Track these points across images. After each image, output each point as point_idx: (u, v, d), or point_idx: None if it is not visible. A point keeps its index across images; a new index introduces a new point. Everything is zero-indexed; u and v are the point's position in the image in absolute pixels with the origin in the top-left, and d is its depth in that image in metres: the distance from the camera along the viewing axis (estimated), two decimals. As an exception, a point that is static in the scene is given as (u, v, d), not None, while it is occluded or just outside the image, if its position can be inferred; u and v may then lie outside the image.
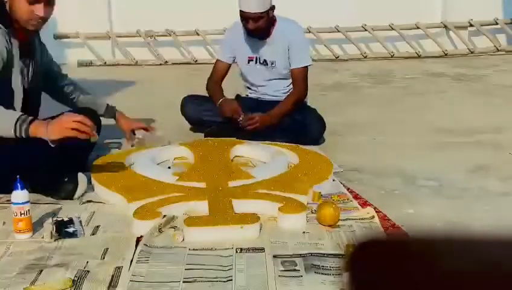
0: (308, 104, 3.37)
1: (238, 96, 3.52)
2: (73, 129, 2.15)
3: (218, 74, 3.34)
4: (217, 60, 3.41)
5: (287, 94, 3.30)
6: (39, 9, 2.33)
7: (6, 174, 2.29)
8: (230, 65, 3.37)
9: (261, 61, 3.26)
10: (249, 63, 3.29)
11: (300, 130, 3.07)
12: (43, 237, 1.90)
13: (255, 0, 3.02)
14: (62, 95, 2.85)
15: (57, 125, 2.16)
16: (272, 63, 3.23)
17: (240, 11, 3.07)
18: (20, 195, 1.94)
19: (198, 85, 4.79)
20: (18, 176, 1.96)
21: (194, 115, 3.35)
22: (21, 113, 2.24)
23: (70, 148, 2.31)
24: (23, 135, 2.16)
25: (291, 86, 3.29)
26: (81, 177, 2.33)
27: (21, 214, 1.93)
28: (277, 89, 3.32)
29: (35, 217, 2.10)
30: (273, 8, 3.11)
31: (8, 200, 2.27)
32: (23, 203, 1.94)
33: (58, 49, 5.57)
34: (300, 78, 3.19)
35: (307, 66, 3.21)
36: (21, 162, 2.25)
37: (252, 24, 3.06)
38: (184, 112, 3.40)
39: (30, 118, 2.19)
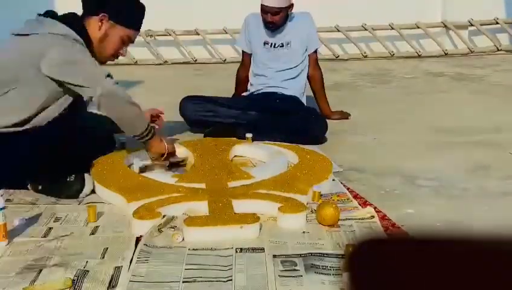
0: (305, 103, 3.40)
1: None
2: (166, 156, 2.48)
3: (245, 64, 3.61)
4: (243, 51, 3.64)
5: (291, 84, 3.41)
6: (124, 51, 2.38)
7: (10, 172, 2.29)
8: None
9: (276, 46, 3.44)
10: (264, 45, 3.46)
11: (301, 130, 3.07)
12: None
13: None
14: None
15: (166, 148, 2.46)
16: (288, 43, 3.43)
17: (261, 4, 3.32)
18: None
19: (198, 85, 4.81)
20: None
21: (193, 115, 3.33)
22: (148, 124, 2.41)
23: (74, 148, 2.31)
24: (144, 142, 2.40)
25: (296, 76, 3.45)
26: (88, 177, 2.33)
27: None
28: (284, 79, 3.41)
29: (34, 217, 2.10)
30: (291, 6, 3.34)
31: (7, 200, 2.27)
32: None
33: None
34: (316, 61, 3.58)
35: (317, 49, 3.61)
36: (24, 161, 2.25)
37: (271, 17, 3.32)
38: (183, 112, 3.39)
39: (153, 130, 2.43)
